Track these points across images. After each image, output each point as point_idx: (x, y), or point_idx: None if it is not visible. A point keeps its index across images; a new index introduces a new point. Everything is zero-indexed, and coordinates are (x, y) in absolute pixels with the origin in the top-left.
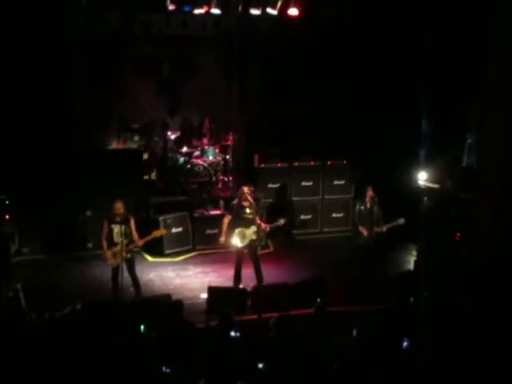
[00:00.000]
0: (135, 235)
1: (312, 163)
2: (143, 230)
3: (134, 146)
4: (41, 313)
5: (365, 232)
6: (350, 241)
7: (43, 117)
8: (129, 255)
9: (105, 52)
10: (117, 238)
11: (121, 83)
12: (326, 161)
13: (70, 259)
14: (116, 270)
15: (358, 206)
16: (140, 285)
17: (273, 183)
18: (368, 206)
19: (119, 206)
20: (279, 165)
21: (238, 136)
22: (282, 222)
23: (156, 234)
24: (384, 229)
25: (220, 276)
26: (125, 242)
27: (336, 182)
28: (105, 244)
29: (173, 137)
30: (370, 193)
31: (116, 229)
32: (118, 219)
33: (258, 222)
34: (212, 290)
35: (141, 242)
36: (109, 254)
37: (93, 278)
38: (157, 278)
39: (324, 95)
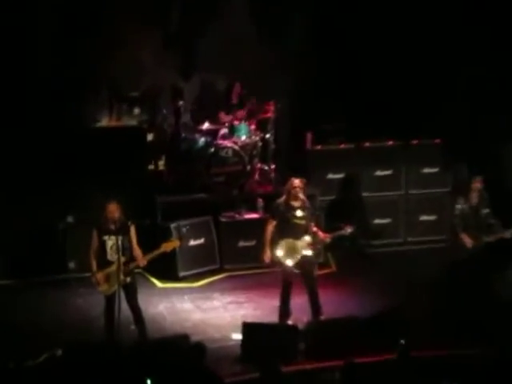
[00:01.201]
0: (137, 250)
1: (390, 143)
2: (148, 243)
3: (132, 122)
4: (5, 362)
5: (469, 242)
6: (447, 255)
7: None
8: (128, 279)
9: None
10: (111, 255)
11: (112, 35)
12: (410, 139)
13: (45, 285)
14: (111, 300)
15: (459, 205)
16: (144, 321)
17: (334, 173)
18: (474, 203)
19: (113, 209)
20: (342, 146)
21: (283, 106)
22: (348, 229)
23: (166, 247)
24: (496, 237)
25: (259, 308)
26: (122, 259)
27: (425, 171)
28: (94, 263)
29: (188, 108)
30: (477, 185)
31: (110, 241)
32: (112, 228)
33: (314, 229)
34: (248, 328)
35: (145, 260)
36: (100, 276)
37: (77, 310)
38: (168, 311)
39: (405, 45)
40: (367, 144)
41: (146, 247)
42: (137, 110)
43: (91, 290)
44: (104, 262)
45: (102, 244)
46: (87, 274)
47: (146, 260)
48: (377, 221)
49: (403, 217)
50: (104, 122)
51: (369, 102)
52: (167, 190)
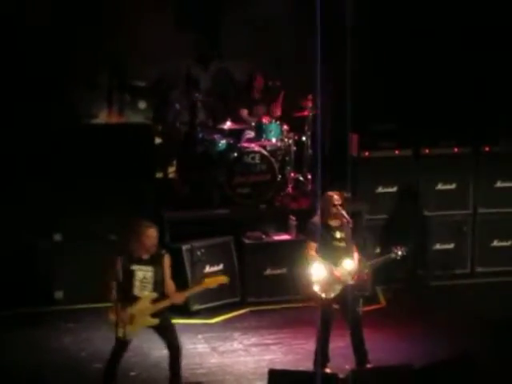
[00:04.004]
0: (170, 285)
1: (456, 150)
2: None
3: (137, 118)
4: None
5: None
6: None
7: None
8: (157, 320)
9: None
10: (140, 289)
11: (114, 10)
12: (480, 146)
13: (25, 319)
14: (124, 345)
15: None
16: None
17: (385, 186)
18: None
19: (154, 235)
20: (396, 153)
21: (323, 102)
22: (398, 252)
23: (210, 283)
24: None
25: (289, 352)
26: (153, 296)
27: (499, 185)
28: (115, 295)
29: (206, 103)
30: None
31: (140, 273)
32: (144, 257)
33: (356, 254)
34: (275, 377)
35: (181, 298)
36: (125, 315)
37: (64, 352)
38: None
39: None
40: (427, 151)
41: None
42: (143, 104)
43: (82, 325)
44: (128, 298)
45: (128, 275)
46: (78, 306)
47: (183, 298)
48: (438, 246)
49: (471, 242)
50: (102, 117)
51: (429, 97)
52: (178, 204)
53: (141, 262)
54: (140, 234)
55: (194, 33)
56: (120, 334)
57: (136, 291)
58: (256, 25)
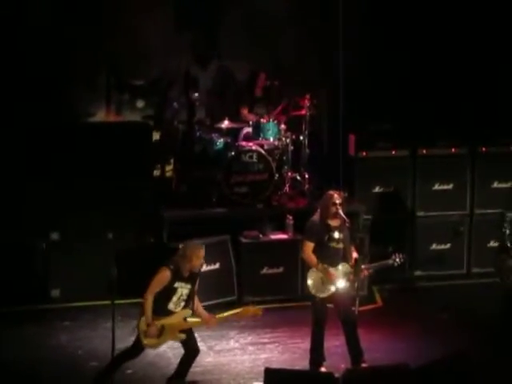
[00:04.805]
0: (197, 303)
1: (453, 150)
2: (151, 267)
3: (135, 117)
4: None
5: None
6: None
7: None
8: (184, 335)
9: None
10: (175, 305)
11: (113, 8)
12: (477, 147)
13: (21, 317)
14: (137, 354)
15: None
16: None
17: (382, 186)
18: None
19: (203, 255)
20: (394, 153)
21: (320, 101)
22: (396, 259)
23: (247, 312)
24: None
25: (286, 351)
26: (188, 313)
27: (496, 185)
28: (149, 305)
29: (204, 102)
30: None
31: (182, 290)
32: (186, 275)
33: (354, 255)
34: (272, 376)
35: (214, 322)
36: (156, 327)
37: (60, 349)
38: (174, 352)
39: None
40: (424, 151)
41: (148, 271)
42: (141, 103)
43: (78, 323)
44: (162, 311)
45: (170, 291)
46: (74, 304)
47: (217, 322)
48: (434, 247)
49: (467, 242)
50: (100, 115)
51: (426, 98)
52: (176, 202)
53: (183, 279)
54: (192, 255)
55: (193, 32)
56: (145, 343)
57: (171, 306)
58: (256, 24)
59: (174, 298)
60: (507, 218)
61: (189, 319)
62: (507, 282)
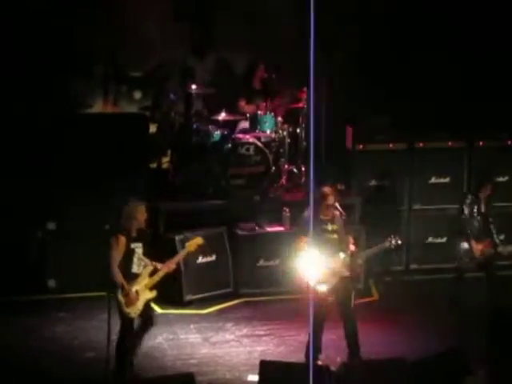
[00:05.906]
0: (152, 261)
1: (450, 144)
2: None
3: (132, 108)
4: None
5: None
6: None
7: None
8: (155, 292)
9: None
10: (138, 266)
11: (112, 4)
12: (474, 140)
13: (17, 307)
14: (132, 324)
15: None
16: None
17: (379, 179)
18: None
19: (143, 213)
20: (391, 146)
21: (318, 94)
22: (393, 241)
23: (191, 246)
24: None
25: (282, 343)
26: (150, 269)
27: (496, 179)
28: (122, 277)
29: (201, 94)
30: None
31: (138, 250)
32: (137, 235)
33: (352, 246)
34: (267, 368)
35: (173, 265)
36: (133, 293)
37: (56, 340)
38: (170, 343)
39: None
40: (421, 144)
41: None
42: (138, 94)
43: (74, 314)
44: (129, 277)
45: (129, 254)
46: (71, 295)
47: (174, 265)
48: (430, 240)
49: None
50: (97, 107)
51: (424, 90)
52: (172, 194)
53: (135, 239)
54: (136, 212)
55: (191, 24)
56: (128, 311)
57: (135, 269)
58: (254, 16)
59: (135, 259)
60: (467, 200)
61: (154, 274)
62: (462, 264)
